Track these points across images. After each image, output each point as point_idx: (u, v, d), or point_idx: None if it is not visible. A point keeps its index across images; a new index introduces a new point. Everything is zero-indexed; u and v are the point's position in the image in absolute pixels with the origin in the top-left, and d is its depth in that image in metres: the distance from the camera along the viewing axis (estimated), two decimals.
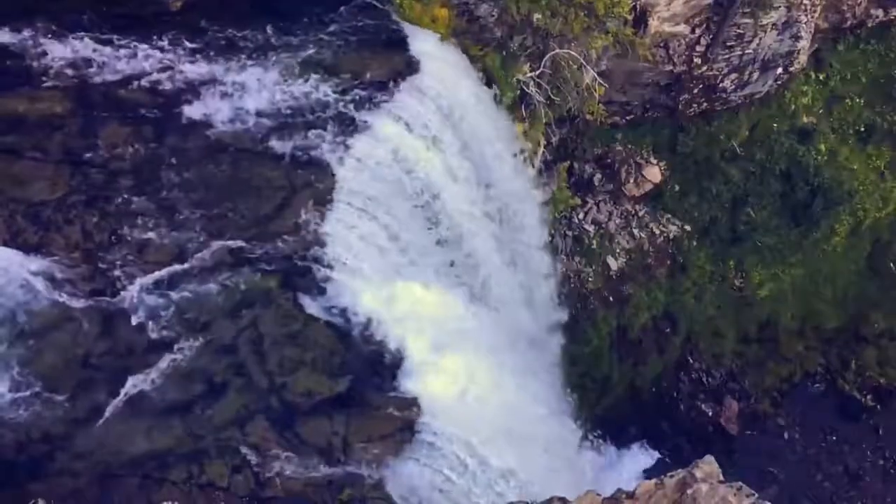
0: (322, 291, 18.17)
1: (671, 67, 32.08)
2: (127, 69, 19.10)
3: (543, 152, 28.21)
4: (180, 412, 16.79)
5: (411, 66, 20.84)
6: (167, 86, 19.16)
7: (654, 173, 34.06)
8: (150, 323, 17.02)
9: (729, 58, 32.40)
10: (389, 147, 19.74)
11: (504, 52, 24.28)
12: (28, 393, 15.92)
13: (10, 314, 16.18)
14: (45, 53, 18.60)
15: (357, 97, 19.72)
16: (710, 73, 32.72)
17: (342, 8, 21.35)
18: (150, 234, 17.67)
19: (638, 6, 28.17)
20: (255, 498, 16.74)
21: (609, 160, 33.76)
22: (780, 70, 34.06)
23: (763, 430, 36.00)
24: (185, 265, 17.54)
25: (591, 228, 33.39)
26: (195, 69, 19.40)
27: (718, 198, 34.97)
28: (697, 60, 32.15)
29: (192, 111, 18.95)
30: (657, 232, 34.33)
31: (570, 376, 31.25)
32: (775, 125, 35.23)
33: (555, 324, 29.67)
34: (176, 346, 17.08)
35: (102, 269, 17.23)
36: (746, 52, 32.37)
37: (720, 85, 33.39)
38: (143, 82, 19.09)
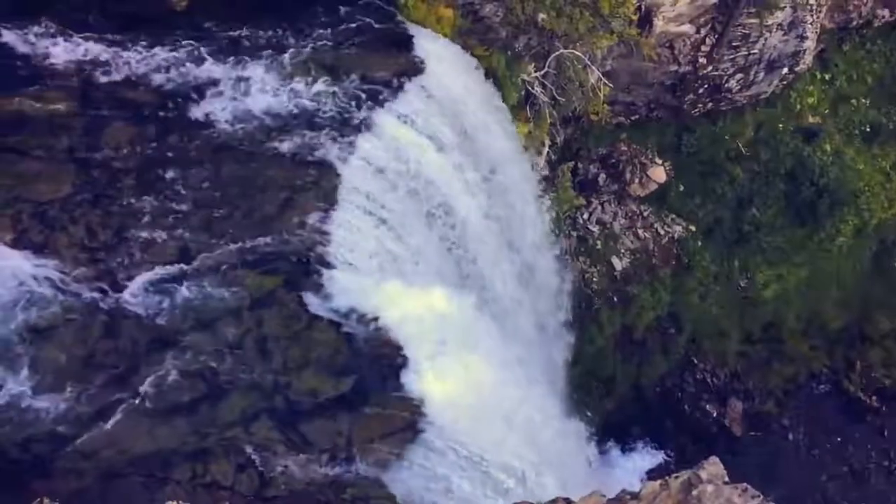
0: (326, 291, 18.16)
1: (676, 67, 32.05)
2: (131, 69, 19.14)
3: (548, 152, 28.23)
4: (185, 411, 16.79)
5: (416, 66, 20.85)
6: (171, 85, 19.19)
7: (658, 173, 34.02)
8: (155, 322, 17.03)
9: (734, 58, 32.37)
10: (394, 147, 19.75)
11: (509, 52, 24.29)
12: (33, 392, 15.94)
13: (15, 313, 16.20)
14: (50, 53, 18.63)
15: (362, 97, 19.73)
16: (716, 73, 32.68)
17: (347, 8, 21.36)
18: (155, 234, 17.68)
19: (643, 6, 28.15)
20: (259, 497, 16.74)
21: (614, 160, 33.74)
22: (785, 70, 34.02)
23: (767, 430, 35.97)
24: (190, 265, 17.55)
25: (595, 229, 33.37)
26: (200, 69, 19.42)
27: (723, 198, 34.94)
28: (703, 60, 32.12)
29: (197, 111, 18.98)
30: (662, 232, 34.30)
31: (575, 377, 31.25)
32: (780, 125, 35.19)
33: (560, 325, 29.67)
34: (180, 346, 17.07)
35: (107, 269, 17.24)
36: (752, 52, 32.33)
37: (725, 85, 33.35)
38: (148, 82, 19.12)
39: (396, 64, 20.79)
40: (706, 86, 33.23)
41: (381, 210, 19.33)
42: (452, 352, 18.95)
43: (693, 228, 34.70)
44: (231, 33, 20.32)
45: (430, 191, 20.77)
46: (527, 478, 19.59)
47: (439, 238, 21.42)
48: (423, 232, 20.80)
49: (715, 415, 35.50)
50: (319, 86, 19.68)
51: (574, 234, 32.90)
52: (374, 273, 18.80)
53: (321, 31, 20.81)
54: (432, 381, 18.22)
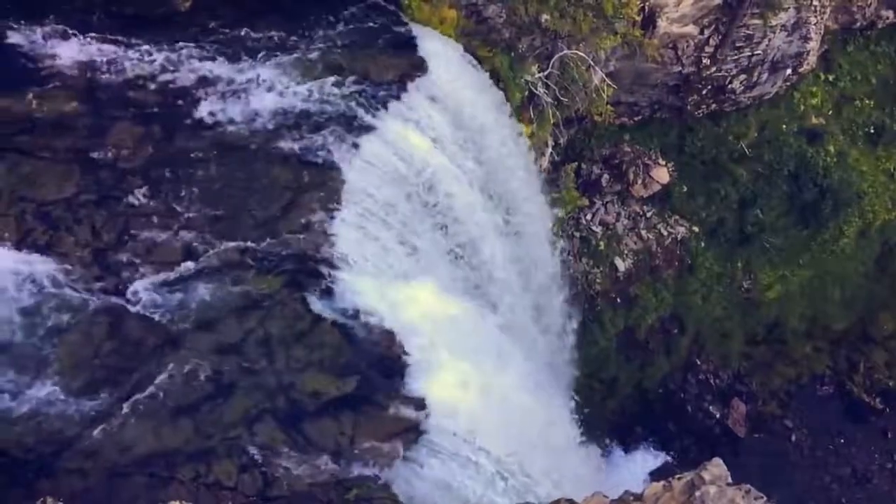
0: (330, 292, 18.18)
1: (680, 68, 32.04)
2: (136, 69, 19.16)
3: (551, 153, 28.24)
4: (188, 411, 16.81)
5: (420, 68, 20.85)
6: (176, 86, 19.21)
7: (661, 174, 34.01)
8: (159, 322, 17.06)
9: (738, 59, 32.35)
10: (398, 148, 19.75)
11: (512, 53, 24.29)
12: (37, 392, 15.98)
13: (19, 314, 16.24)
14: (55, 54, 18.66)
15: (365, 98, 19.74)
16: (719, 74, 32.67)
17: (351, 9, 21.37)
18: (159, 234, 17.71)
19: (647, 7, 28.15)
20: (263, 497, 16.75)
21: (617, 161, 33.73)
22: (789, 71, 33.99)
23: (770, 431, 35.96)
24: (194, 265, 17.57)
25: (598, 229, 33.37)
26: (204, 69, 19.44)
27: (726, 199, 34.92)
28: (706, 61, 32.10)
29: (201, 111, 19.00)
30: (665, 233, 34.29)
31: (579, 378, 31.24)
32: (784, 126, 35.17)
33: (564, 329, 29.69)
34: (184, 346, 17.10)
35: (111, 269, 17.27)
36: (755, 53, 32.31)
37: (729, 86, 33.33)
38: (153, 82, 19.14)
39: (400, 65, 20.79)
40: (709, 87, 33.21)
41: (385, 211, 19.34)
42: (456, 353, 18.96)
43: (696, 229, 34.69)
44: (235, 34, 20.33)
45: (433, 192, 20.73)
46: (529, 477, 19.59)
47: (443, 239, 21.41)
48: (428, 233, 20.78)
49: (718, 416, 35.49)
50: (323, 86, 19.67)
51: (577, 234, 32.90)
52: (378, 274, 18.81)
53: (325, 31, 20.82)
54: (435, 382, 18.23)
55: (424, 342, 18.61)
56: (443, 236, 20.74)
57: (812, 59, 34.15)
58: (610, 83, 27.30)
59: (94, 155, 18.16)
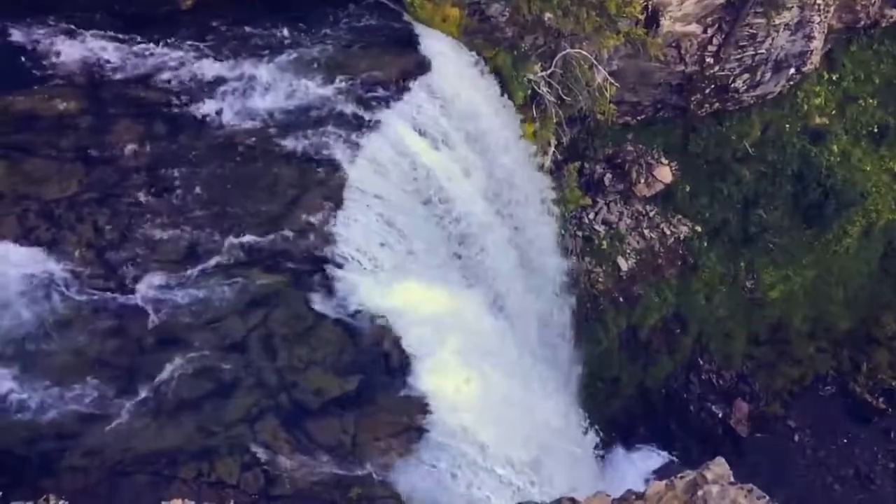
0: (332, 290, 18.18)
1: (683, 67, 32.00)
2: (139, 67, 19.18)
3: (554, 152, 28.21)
4: (191, 410, 16.82)
5: (422, 66, 20.85)
6: (179, 84, 19.23)
7: (664, 173, 33.98)
8: (161, 321, 17.06)
9: (741, 58, 32.31)
10: (400, 146, 19.75)
11: (515, 52, 24.28)
12: (39, 390, 15.99)
13: (22, 312, 16.26)
14: (58, 52, 18.68)
15: (368, 96, 19.74)
16: (722, 73, 32.63)
17: (353, 7, 21.39)
18: (162, 232, 17.72)
19: (650, 6, 28.12)
20: (265, 496, 16.77)
21: (620, 160, 33.71)
22: (792, 70, 33.93)
23: (773, 432, 35.93)
24: (197, 263, 17.58)
25: (601, 229, 33.34)
26: (206, 67, 19.46)
27: (730, 198, 34.90)
28: (709, 60, 32.07)
29: (204, 109, 19.02)
30: (668, 232, 34.25)
31: (581, 377, 31.24)
32: (787, 126, 35.13)
33: (566, 327, 29.69)
34: (186, 344, 17.11)
35: (114, 267, 17.28)
36: (759, 52, 32.27)
37: (732, 85, 33.29)
38: (155, 80, 19.17)
39: (402, 63, 20.79)
40: (713, 86, 33.17)
41: (388, 209, 19.31)
42: (458, 351, 18.95)
43: (699, 229, 34.65)
44: (238, 32, 20.35)
45: (435, 190, 20.74)
46: (531, 477, 19.57)
47: (446, 238, 21.40)
48: (430, 232, 20.76)
49: (721, 416, 35.45)
50: (325, 84, 19.68)
51: (580, 234, 32.88)
52: (381, 272, 18.79)
53: (328, 30, 20.84)
54: (438, 381, 18.22)
55: (427, 342, 18.58)
56: (441, 226, 20.74)
57: (815, 59, 34.09)
58: (613, 82, 27.28)
59: (97, 153, 18.18)
